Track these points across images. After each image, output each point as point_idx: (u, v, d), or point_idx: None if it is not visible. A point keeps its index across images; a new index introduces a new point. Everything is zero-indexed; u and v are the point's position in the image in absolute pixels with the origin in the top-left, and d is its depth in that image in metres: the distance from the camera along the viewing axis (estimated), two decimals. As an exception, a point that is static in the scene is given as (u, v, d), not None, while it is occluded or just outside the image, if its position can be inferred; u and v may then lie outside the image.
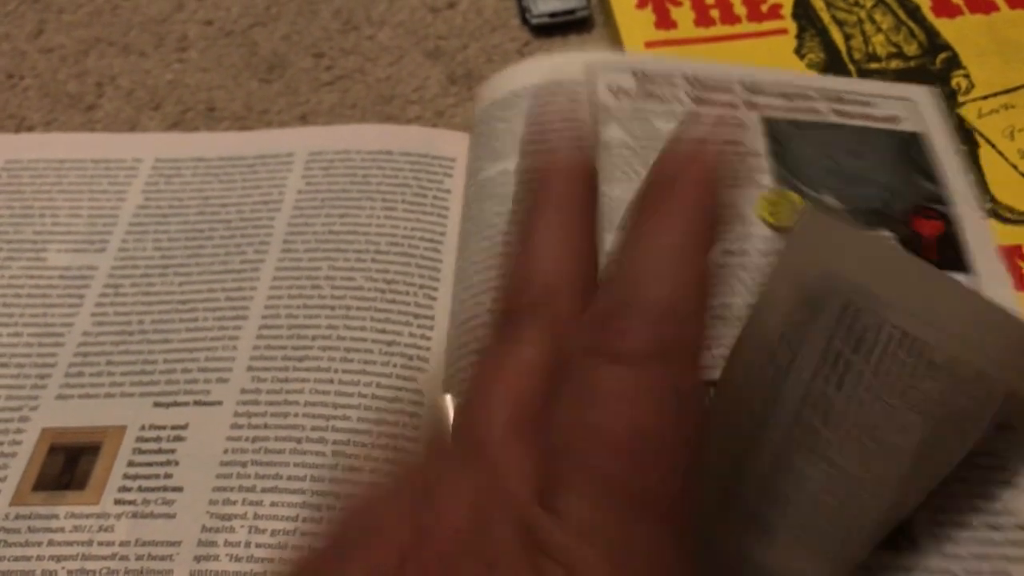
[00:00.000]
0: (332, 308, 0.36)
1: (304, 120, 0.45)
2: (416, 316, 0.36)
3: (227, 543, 0.30)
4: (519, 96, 0.41)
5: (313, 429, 0.33)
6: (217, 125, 0.45)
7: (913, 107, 0.41)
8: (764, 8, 0.47)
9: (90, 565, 0.30)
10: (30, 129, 0.45)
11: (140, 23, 0.50)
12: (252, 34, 0.49)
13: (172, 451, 0.33)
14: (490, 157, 0.39)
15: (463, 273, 0.37)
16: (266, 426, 0.33)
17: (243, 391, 0.34)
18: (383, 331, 0.36)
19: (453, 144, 0.42)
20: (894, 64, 0.44)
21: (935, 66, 0.44)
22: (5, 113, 0.46)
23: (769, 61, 0.45)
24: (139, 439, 0.33)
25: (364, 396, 0.34)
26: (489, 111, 0.41)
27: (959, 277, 0.35)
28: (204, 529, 0.30)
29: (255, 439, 0.33)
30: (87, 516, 0.31)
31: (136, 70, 0.48)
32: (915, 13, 0.47)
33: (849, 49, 0.45)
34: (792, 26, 0.46)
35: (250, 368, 0.35)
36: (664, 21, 0.47)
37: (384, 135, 0.43)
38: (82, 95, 0.47)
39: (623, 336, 0.18)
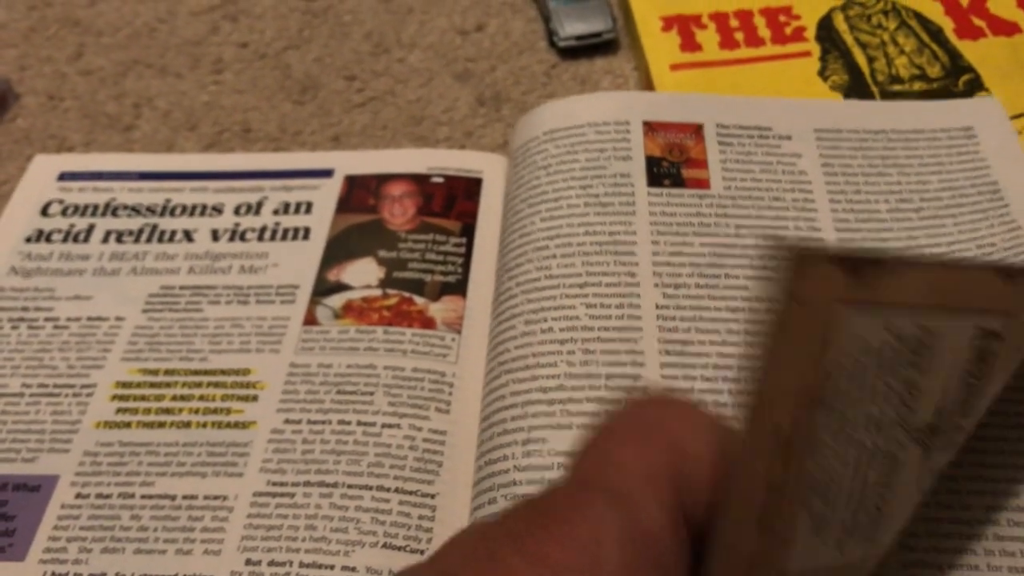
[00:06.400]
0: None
1: (337, 141, 0.46)
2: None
3: None
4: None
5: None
6: (252, 146, 0.46)
7: None
8: (788, 31, 0.48)
9: None
10: (70, 149, 0.47)
11: (177, 45, 0.52)
12: (285, 57, 0.51)
13: None
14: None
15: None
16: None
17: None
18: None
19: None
20: (917, 86, 0.45)
21: (958, 88, 0.45)
22: (46, 134, 0.47)
23: (793, 83, 0.45)
24: None
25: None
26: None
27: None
28: None
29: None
30: None
31: (173, 91, 0.49)
32: (938, 35, 0.47)
33: (872, 71, 0.46)
34: (816, 48, 0.47)
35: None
36: (689, 44, 0.48)
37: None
38: (120, 116, 0.48)
39: None
